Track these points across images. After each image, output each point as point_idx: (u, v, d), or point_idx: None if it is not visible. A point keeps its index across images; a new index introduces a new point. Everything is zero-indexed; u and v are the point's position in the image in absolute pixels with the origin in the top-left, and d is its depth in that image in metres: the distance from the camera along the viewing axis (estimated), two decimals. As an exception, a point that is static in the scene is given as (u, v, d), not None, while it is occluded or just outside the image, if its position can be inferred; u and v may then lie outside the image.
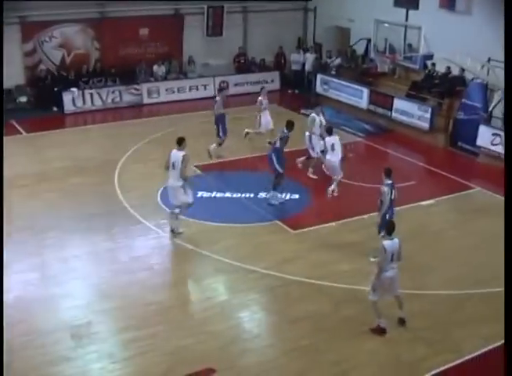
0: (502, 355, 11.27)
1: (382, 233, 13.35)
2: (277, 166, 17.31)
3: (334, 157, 18.00)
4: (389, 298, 12.09)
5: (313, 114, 19.77)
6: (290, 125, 17.41)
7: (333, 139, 18.08)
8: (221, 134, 20.71)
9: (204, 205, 17.47)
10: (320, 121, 19.51)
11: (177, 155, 15.00)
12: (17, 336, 11.33)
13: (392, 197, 14.57)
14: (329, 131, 18.21)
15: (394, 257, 11.70)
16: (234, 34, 31.35)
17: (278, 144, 17.37)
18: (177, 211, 15.60)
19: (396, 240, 11.75)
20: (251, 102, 26.38)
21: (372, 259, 13.86)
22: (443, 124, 23.77)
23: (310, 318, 12.41)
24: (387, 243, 11.62)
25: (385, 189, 14.43)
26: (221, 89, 25.70)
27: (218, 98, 21.31)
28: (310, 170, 19.51)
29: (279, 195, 17.64)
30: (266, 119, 21.70)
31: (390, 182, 14.51)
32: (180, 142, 15.17)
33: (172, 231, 15.69)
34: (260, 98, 21.86)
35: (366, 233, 16.10)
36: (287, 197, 17.89)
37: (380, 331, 11.94)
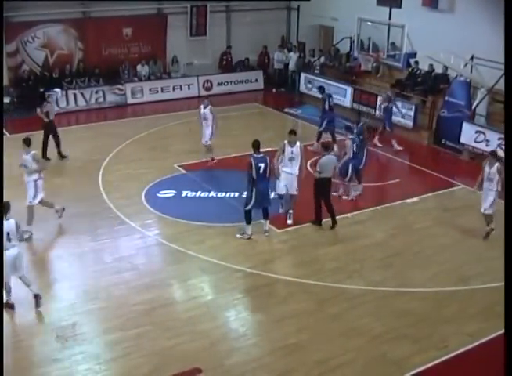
0: (487, 351, 11.45)
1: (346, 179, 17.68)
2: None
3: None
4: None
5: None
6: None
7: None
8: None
9: (189, 205, 17.48)
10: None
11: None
12: (4, 338, 11.26)
13: (355, 149, 17.50)
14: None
15: (10, 236, 11.86)
16: (218, 34, 31.34)
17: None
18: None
19: (12, 221, 11.94)
20: (235, 101, 26.53)
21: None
22: (427, 121, 23.87)
23: (295, 317, 12.42)
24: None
25: (349, 142, 17.47)
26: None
27: None
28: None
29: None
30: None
31: (352, 137, 17.63)
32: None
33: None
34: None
35: (350, 232, 16.17)
36: (271, 195, 17.89)
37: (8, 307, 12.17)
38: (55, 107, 26.19)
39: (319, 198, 16.19)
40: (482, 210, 15.60)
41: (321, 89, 23.29)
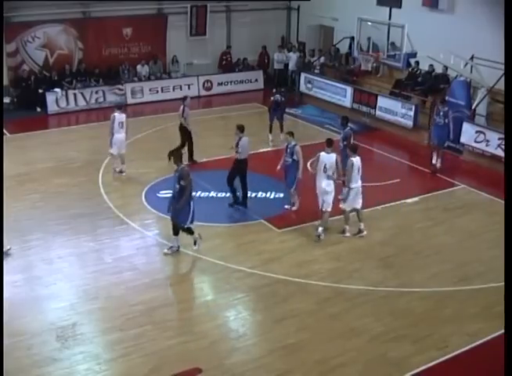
0: (487, 351, 11.44)
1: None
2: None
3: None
4: None
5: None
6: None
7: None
8: None
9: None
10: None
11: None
12: (4, 337, 11.26)
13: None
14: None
15: None
16: (218, 34, 31.37)
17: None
18: None
19: None
20: (235, 101, 26.47)
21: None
22: (427, 121, 23.82)
23: (295, 317, 12.42)
24: None
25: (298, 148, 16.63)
26: None
27: None
28: None
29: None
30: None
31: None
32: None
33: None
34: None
35: (350, 232, 16.15)
36: (272, 195, 17.91)
37: None
38: (56, 107, 26.36)
39: (235, 178, 17.01)
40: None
41: (274, 90, 23.98)
